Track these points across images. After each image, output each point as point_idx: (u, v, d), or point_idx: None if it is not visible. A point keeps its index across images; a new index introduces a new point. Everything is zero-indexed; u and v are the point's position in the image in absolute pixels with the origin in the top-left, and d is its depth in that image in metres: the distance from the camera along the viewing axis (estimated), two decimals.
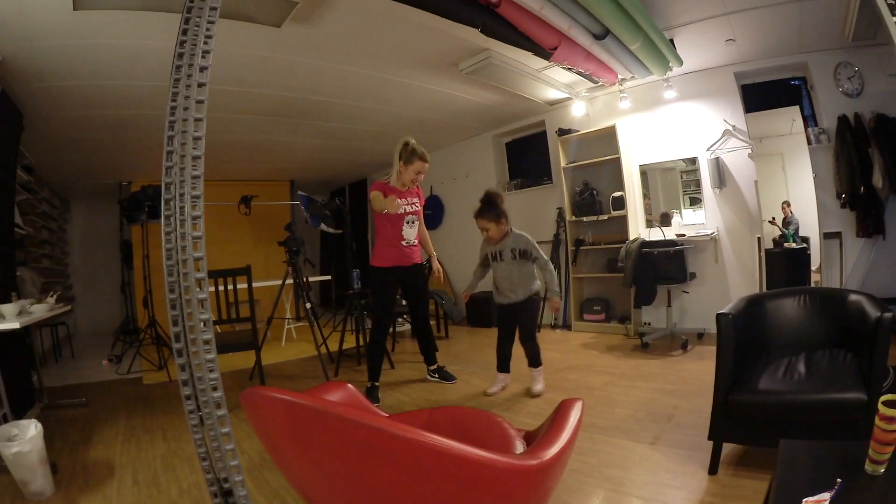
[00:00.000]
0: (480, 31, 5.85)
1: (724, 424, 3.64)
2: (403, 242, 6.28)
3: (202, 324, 2.47)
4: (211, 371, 2.44)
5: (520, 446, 2.69)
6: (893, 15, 3.63)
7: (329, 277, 13.50)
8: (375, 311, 6.48)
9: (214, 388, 2.43)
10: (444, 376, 6.75)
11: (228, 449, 2.46)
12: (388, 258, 6.26)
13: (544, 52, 6.68)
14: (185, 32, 2.61)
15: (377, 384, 6.26)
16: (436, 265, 6.84)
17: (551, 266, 5.97)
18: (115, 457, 4.66)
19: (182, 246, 2.46)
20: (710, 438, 3.72)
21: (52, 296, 6.26)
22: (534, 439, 2.55)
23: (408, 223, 6.28)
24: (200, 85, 2.56)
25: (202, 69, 2.57)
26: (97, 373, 8.36)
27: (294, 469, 2.36)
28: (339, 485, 2.14)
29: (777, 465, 2.36)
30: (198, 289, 2.47)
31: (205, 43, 2.60)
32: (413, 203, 6.33)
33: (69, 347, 10.25)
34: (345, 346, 7.80)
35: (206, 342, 2.45)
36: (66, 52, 5.67)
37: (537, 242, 5.92)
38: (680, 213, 8.88)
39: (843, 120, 7.20)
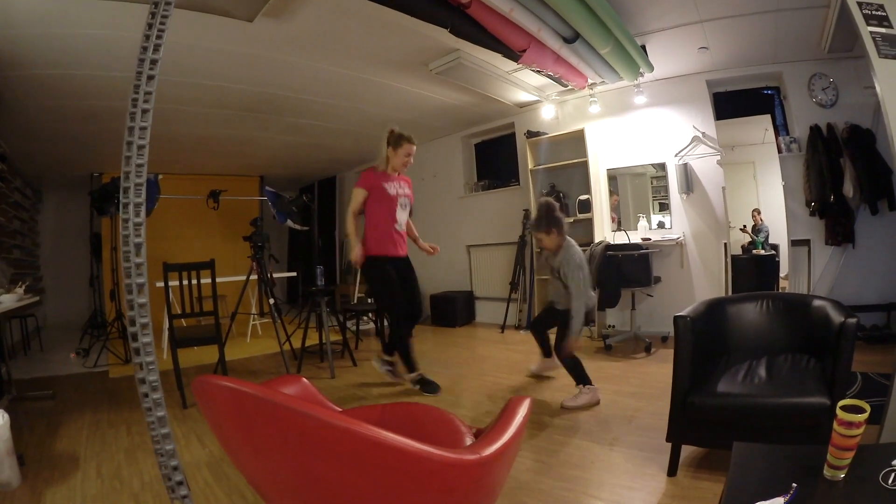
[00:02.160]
0: (450, 32, 5.85)
1: (682, 427, 3.66)
2: (396, 226, 6.17)
3: (139, 307, 2.46)
4: (148, 355, 2.42)
5: (469, 442, 2.71)
6: (869, 26, 3.65)
7: (294, 274, 13.42)
8: (384, 302, 6.57)
9: (150, 367, 2.42)
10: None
11: (164, 433, 2.45)
12: (382, 244, 6.10)
13: (513, 54, 6.68)
14: (149, 27, 2.60)
15: (421, 374, 6.23)
16: (424, 246, 6.56)
17: (582, 300, 5.33)
18: (80, 449, 4.68)
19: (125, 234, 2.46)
20: (668, 440, 3.73)
21: (20, 286, 6.21)
22: None
23: (401, 206, 6.20)
24: (150, 78, 2.55)
25: (152, 63, 2.56)
26: (65, 366, 8.32)
27: (243, 459, 2.37)
28: (283, 474, 2.14)
29: (730, 467, 2.35)
30: (137, 273, 2.46)
31: (157, 37, 2.59)
32: (404, 187, 6.27)
33: (38, 340, 10.14)
34: (308, 343, 7.75)
35: (144, 326, 2.44)
36: (44, 41, 5.63)
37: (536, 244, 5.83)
38: (648, 217, 8.92)
39: (815, 130, 7.28)
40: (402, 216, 6.23)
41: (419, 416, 3.11)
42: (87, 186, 11.64)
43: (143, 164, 2.48)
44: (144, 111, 2.52)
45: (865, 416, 2.08)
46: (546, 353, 6.30)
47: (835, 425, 2.11)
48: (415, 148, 6.20)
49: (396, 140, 6.08)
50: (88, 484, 3.95)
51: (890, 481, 2.05)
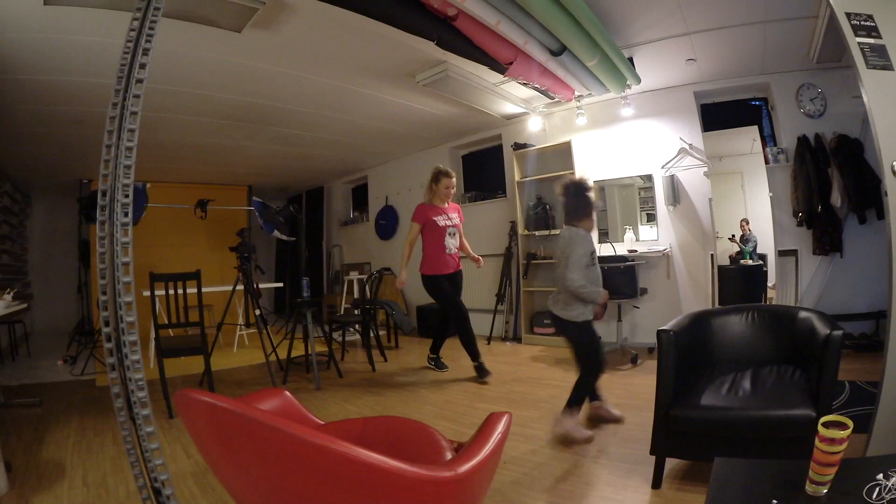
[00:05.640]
0: (436, 44, 5.86)
1: (666, 439, 3.66)
2: (447, 251, 7.30)
3: (128, 326, 2.45)
4: (137, 372, 2.41)
5: (449, 457, 2.68)
6: (858, 37, 3.66)
7: (281, 284, 13.41)
8: (449, 308, 7.44)
9: (141, 388, 2.41)
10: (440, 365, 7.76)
11: (153, 448, 2.44)
12: (435, 266, 7.28)
13: (500, 67, 6.69)
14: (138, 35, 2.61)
15: (481, 362, 7.19)
16: (474, 256, 7.75)
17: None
18: (66, 457, 4.66)
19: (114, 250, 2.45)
20: (651, 453, 3.72)
21: (9, 292, 6.20)
22: None
23: (449, 234, 7.33)
24: (136, 96, 2.53)
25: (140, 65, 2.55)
26: (52, 373, 8.26)
27: (223, 472, 2.40)
28: (261, 488, 2.16)
29: (709, 482, 2.33)
30: (125, 292, 2.45)
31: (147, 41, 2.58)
32: (452, 217, 7.43)
33: (26, 346, 10.07)
34: (295, 354, 7.71)
35: (133, 343, 2.43)
36: (35, 46, 5.61)
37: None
38: (636, 228, 8.93)
39: (802, 140, 7.30)
40: (450, 243, 7.35)
41: (400, 431, 3.09)
42: (76, 192, 11.60)
43: (129, 184, 2.48)
44: (130, 130, 2.52)
45: (848, 433, 2.06)
46: (593, 395, 5.24)
47: (816, 442, 2.09)
48: (453, 179, 7.38)
49: (436, 176, 7.33)
50: (74, 492, 3.94)
51: (874, 496, 2.02)
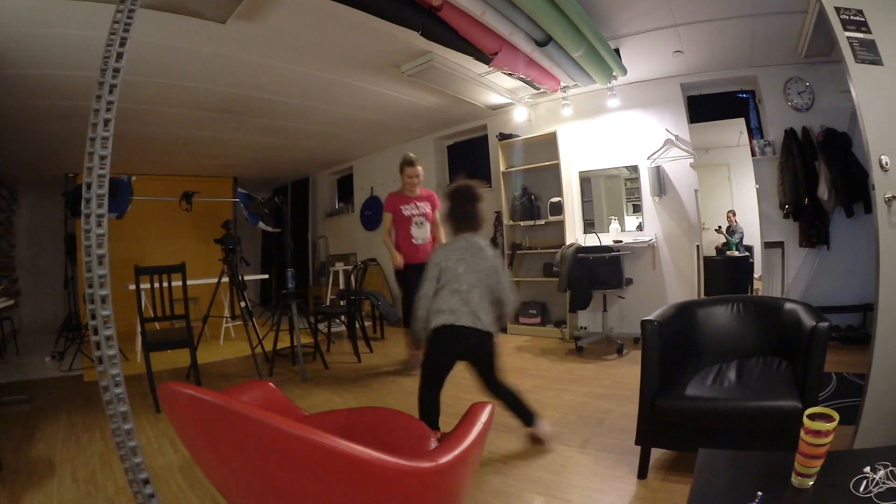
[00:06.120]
0: (421, 35, 5.84)
1: (651, 430, 3.66)
2: (413, 240, 7.23)
3: (103, 321, 2.43)
4: (114, 367, 2.40)
5: (434, 447, 2.66)
6: (847, 31, 3.66)
7: (267, 276, 13.37)
8: (404, 299, 7.52)
9: (117, 385, 2.39)
10: None
11: (132, 446, 2.43)
12: (404, 255, 7.21)
13: (485, 57, 6.67)
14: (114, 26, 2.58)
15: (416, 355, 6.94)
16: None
17: None
18: (55, 454, 4.66)
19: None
20: (637, 443, 3.73)
21: None
22: None
23: (416, 224, 7.26)
24: (110, 92, 2.52)
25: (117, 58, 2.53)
26: (40, 370, 8.22)
27: (206, 464, 2.39)
28: (243, 480, 2.16)
29: (694, 474, 2.33)
30: (100, 286, 2.43)
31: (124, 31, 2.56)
32: (421, 206, 7.30)
33: (14, 343, 10.02)
34: (280, 346, 7.75)
35: (108, 338, 2.41)
36: (18, 41, 5.57)
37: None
38: (621, 219, 8.95)
39: (790, 133, 7.31)
40: (417, 232, 7.27)
41: (385, 421, 3.10)
42: (61, 186, 11.49)
43: (104, 175, 2.46)
44: (106, 119, 2.49)
45: (834, 425, 2.05)
46: (527, 420, 4.50)
47: (802, 434, 2.09)
48: (415, 169, 7.21)
49: (400, 166, 7.22)
50: (65, 489, 3.94)
51: (862, 489, 2.03)
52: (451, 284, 4.24)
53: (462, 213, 4.46)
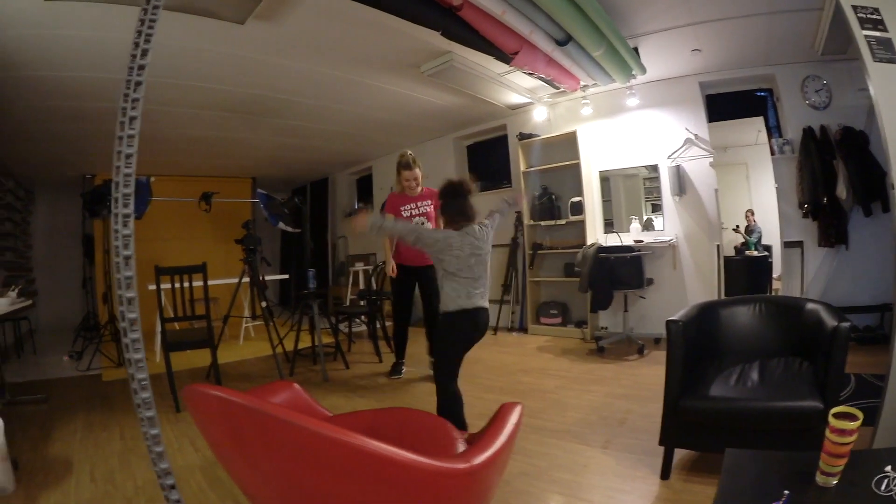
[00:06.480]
0: (441, 35, 5.84)
1: (675, 430, 3.66)
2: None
3: (130, 323, 2.43)
4: (141, 371, 2.40)
5: (461, 448, 2.66)
6: (864, 30, 3.65)
7: (287, 276, 13.37)
8: (393, 305, 7.40)
9: (144, 389, 2.40)
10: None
11: (158, 451, 2.43)
12: (403, 256, 6.99)
13: (505, 57, 6.66)
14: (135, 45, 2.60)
15: (401, 361, 7.29)
16: None
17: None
18: (73, 453, 4.66)
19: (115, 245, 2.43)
20: (661, 444, 3.73)
21: (13, 289, 6.19)
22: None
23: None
24: (138, 83, 2.52)
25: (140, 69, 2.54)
26: (58, 369, 8.25)
27: (233, 466, 2.37)
28: (273, 483, 2.13)
29: (721, 474, 2.33)
30: (126, 287, 2.43)
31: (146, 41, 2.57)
32: (421, 206, 6.99)
33: (31, 343, 10.10)
34: (301, 346, 7.77)
35: (135, 342, 2.41)
36: (36, 42, 5.61)
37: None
38: (640, 219, 8.89)
39: (807, 132, 7.25)
40: None
41: (411, 423, 3.09)
42: (79, 188, 11.55)
43: (130, 174, 2.45)
44: (132, 118, 2.50)
45: (858, 423, 2.06)
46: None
47: (827, 433, 2.10)
48: (412, 172, 6.84)
49: (398, 168, 6.89)
50: (82, 488, 3.94)
51: (883, 488, 2.04)
52: (464, 273, 4.27)
53: (456, 208, 4.51)
